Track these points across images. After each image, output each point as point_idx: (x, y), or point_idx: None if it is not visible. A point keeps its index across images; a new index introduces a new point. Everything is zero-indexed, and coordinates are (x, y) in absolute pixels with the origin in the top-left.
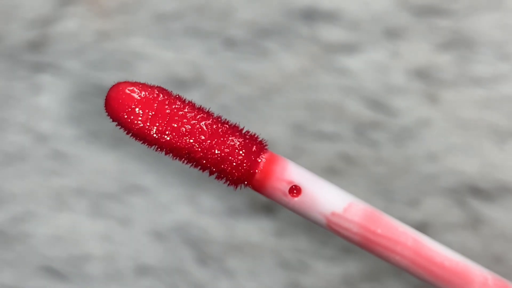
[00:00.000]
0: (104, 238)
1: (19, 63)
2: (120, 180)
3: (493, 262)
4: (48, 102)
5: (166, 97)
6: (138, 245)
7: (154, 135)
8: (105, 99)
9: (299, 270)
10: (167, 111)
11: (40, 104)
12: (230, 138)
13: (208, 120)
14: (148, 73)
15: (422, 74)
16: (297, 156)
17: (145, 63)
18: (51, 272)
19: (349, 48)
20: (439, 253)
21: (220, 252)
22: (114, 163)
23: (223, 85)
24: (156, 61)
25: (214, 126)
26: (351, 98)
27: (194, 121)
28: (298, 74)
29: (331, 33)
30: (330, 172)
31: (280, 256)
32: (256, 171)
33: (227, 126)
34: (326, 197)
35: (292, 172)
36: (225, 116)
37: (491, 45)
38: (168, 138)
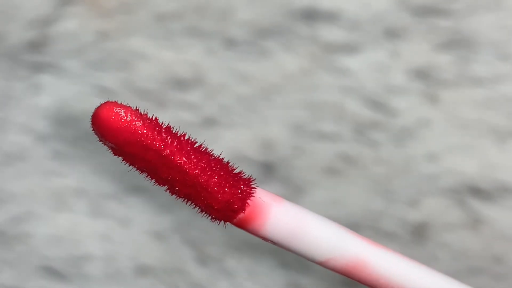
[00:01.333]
0: (104, 238)
1: (19, 63)
2: (120, 180)
3: (493, 262)
4: (48, 102)
5: (147, 122)
6: (138, 245)
7: (136, 158)
8: (92, 116)
9: (299, 270)
10: (149, 137)
11: (40, 104)
12: (216, 172)
13: (192, 149)
14: (148, 73)
15: (422, 74)
16: (297, 156)
17: (145, 63)
18: (51, 272)
19: (349, 48)
20: None
21: (220, 252)
22: (113, 163)
23: (223, 85)
24: (156, 61)
25: (198, 157)
26: (351, 98)
27: (175, 150)
28: (298, 74)
29: (331, 33)
30: (330, 173)
31: (280, 256)
32: (240, 214)
33: (213, 158)
34: (304, 251)
35: (270, 228)
36: (225, 116)
37: (491, 45)
38: (147, 166)
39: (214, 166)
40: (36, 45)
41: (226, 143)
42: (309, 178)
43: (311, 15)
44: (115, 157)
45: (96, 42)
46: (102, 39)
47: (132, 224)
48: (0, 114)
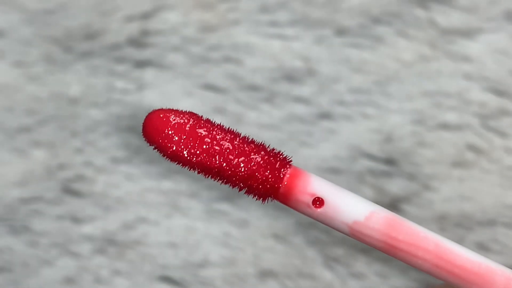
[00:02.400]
0: (221, 242)
1: (120, 59)
2: None
3: None
4: (152, 99)
5: (196, 122)
6: (258, 249)
7: (186, 156)
8: (142, 125)
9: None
10: (198, 134)
11: (143, 101)
12: (255, 156)
13: (235, 141)
14: (255, 66)
15: None
16: (420, 150)
17: (252, 56)
18: (168, 280)
19: (468, 32)
20: (460, 255)
21: (347, 255)
22: None
23: (336, 76)
24: (263, 53)
25: (241, 146)
26: (475, 84)
27: (222, 142)
28: (416, 61)
29: (449, 17)
30: (458, 166)
31: None
32: (280, 185)
33: (253, 145)
34: (348, 207)
35: (315, 185)
36: (340, 109)
37: None
38: (199, 159)
39: (252, 151)
40: (137, 40)
41: (343, 138)
42: (435, 173)
43: None
44: None
45: (198, 34)
46: (204, 31)
47: (249, 227)
48: (102, 112)
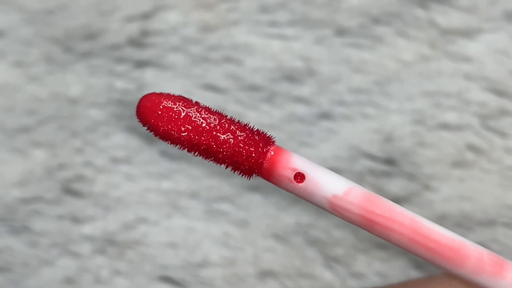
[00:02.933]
0: (221, 242)
1: (119, 59)
2: (232, 180)
3: None
4: None
5: (185, 103)
6: (258, 249)
7: (176, 135)
8: (136, 107)
9: (431, 272)
10: (187, 114)
11: None
12: (241, 134)
13: (222, 120)
14: (255, 66)
15: None
16: (420, 150)
17: (252, 56)
18: (167, 281)
19: (468, 32)
20: (435, 230)
21: (347, 254)
22: None
23: (336, 76)
24: (263, 53)
25: (227, 124)
26: (474, 84)
27: (210, 121)
28: (416, 61)
29: (449, 17)
30: (458, 166)
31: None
32: (264, 161)
33: (239, 124)
34: (327, 182)
35: (296, 161)
36: (340, 109)
37: None
38: (188, 137)
39: (238, 129)
40: (137, 40)
41: (343, 138)
42: (435, 173)
43: None
44: None
45: (198, 34)
46: (204, 31)
47: (249, 227)
48: (102, 112)
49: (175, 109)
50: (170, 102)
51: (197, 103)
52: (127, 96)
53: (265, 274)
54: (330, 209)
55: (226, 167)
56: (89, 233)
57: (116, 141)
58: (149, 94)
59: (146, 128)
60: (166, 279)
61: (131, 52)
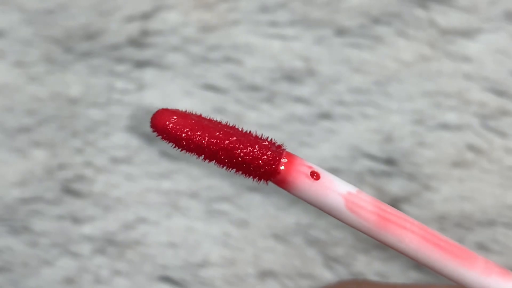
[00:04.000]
0: (221, 242)
1: (119, 59)
2: (232, 181)
3: None
4: (152, 99)
5: (199, 116)
6: (258, 249)
7: (196, 140)
8: (151, 120)
9: (431, 273)
10: (204, 123)
11: (143, 101)
12: (257, 140)
13: (235, 129)
14: (255, 66)
15: None
16: (420, 150)
17: (252, 56)
18: (167, 281)
19: (468, 32)
20: (440, 234)
21: (347, 255)
22: None
23: (336, 76)
24: (263, 53)
25: (241, 132)
26: (474, 84)
27: (226, 129)
28: (416, 61)
29: (449, 17)
30: (458, 166)
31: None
32: (281, 161)
33: (252, 134)
34: (339, 181)
35: (309, 163)
36: (340, 109)
37: None
38: (204, 142)
39: (251, 139)
40: (137, 40)
41: (343, 138)
42: (435, 173)
43: None
44: None
45: (198, 34)
46: (204, 31)
47: (249, 227)
48: (102, 112)
49: (190, 120)
50: (184, 113)
51: (210, 119)
52: (127, 96)
53: (265, 274)
54: (346, 207)
55: (242, 171)
56: (89, 233)
57: (116, 141)
58: (163, 109)
59: (161, 138)
60: (166, 279)
61: (131, 52)
